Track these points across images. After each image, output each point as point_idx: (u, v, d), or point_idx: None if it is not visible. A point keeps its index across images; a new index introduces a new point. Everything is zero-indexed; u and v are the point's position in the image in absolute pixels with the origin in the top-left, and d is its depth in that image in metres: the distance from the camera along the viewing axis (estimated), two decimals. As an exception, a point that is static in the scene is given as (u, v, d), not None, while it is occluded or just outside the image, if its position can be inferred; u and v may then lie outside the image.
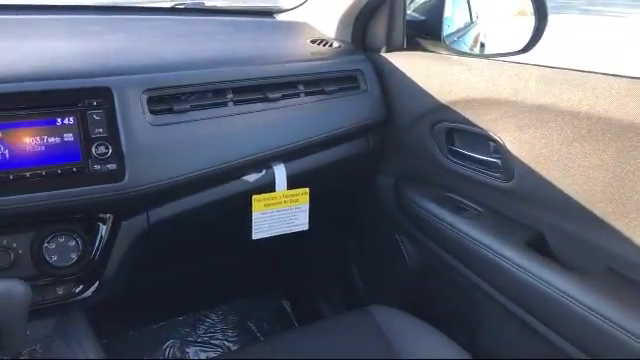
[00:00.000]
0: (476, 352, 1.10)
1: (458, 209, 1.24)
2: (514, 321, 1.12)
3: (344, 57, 1.30)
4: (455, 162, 1.22)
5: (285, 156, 1.18)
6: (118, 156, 0.95)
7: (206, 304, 1.83)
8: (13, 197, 0.89)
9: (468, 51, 1.45)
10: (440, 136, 1.22)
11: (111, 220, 1.00)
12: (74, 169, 0.93)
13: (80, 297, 1.00)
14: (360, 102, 1.27)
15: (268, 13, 1.58)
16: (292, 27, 1.49)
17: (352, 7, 1.34)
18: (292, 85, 1.20)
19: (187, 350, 1.73)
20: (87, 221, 0.98)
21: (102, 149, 0.94)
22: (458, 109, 1.16)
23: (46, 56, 1.04)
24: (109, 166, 0.95)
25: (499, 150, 1.11)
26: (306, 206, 1.24)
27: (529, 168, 1.04)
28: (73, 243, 0.96)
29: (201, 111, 1.07)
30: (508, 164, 1.09)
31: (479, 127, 1.13)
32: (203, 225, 1.23)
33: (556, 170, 0.99)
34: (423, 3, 1.44)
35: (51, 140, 0.92)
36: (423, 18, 1.40)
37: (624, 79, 0.89)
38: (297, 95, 1.19)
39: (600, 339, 0.92)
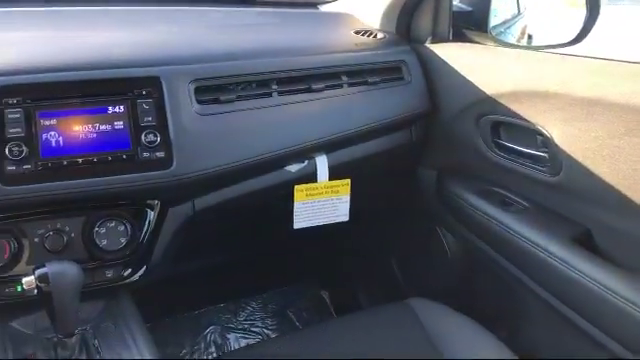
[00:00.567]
0: (517, 348, 1.09)
1: (502, 203, 1.23)
2: (558, 318, 1.10)
3: (388, 48, 1.30)
4: (500, 155, 1.20)
5: (327, 147, 1.19)
6: (166, 144, 0.97)
7: (247, 292, 1.86)
8: (66, 182, 0.92)
9: (515, 43, 1.42)
10: (485, 129, 1.21)
11: (158, 206, 1.03)
12: (124, 156, 0.96)
13: (128, 280, 1.03)
14: (404, 93, 1.26)
15: (312, 4, 1.59)
16: (336, 18, 1.49)
17: (396, -2, 1.33)
18: (335, 76, 1.20)
19: (227, 336, 1.77)
20: (136, 207, 1.01)
21: (151, 137, 0.96)
22: (505, 102, 1.14)
23: (98, 46, 1.07)
24: (157, 154, 0.97)
25: (546, 144, 1.09)
26: (347, 197, 1.24)
27: (577, 162, 1.02)
28: (122, 228, 0.99)
29: (246, 101, 1.09)
30: (555, 158, 1.07)
31: (526, 120, 1.11)
32: (246, 213, 1.25)
33: (605, 164, 0.97)
34: (470, -7, 1.42)
35: (102, 128, 0.95)
36: (470, 9, 1.38)
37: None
38: (340, 86, 1.20)
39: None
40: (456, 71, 1.23)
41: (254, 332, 1.80)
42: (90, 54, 1.02)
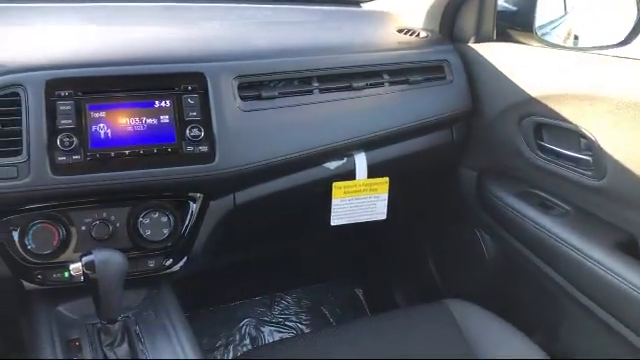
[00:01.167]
0: (553, 353, 1.08)
1: (543, 206, 1.21)
2: (598, 325, 1.08)
3: (431, 47, 1.29)
4: (542, 158, 1.18)
5: (367, 145, 1.19)
6: (210, 139, 1.00)
7: (282, 286, 1.88)
8: (113, 173, 0.95)
9: (561, 43, 1.40)
10: (528, 130, 1.19)
11: (201, 199, 1.05)
12: (169, 149, 0.98)
13: (169, 270, 1.06)
14: (445, 93, 1.26)
15: (355, 2, 1.59)
16: (379, 16, 1.49)
17: (440, -3, 1.33)
18: (377, 74, 1.20)
19: (262, 329, 1.79)
20: (179, 199, 1.04)
21: (195, 132, 0.99)
22: (549, 103, 1.12)
23: (146, 41, 1.10)
24: (201, 148, 0.99)
25: (590, 147, 1.07)
26: (385, 195, 1.24)
27: (623, 167, 1.00)
28: (165, 219, 1.02)
29: (288, 98, 1.10)
30: (600, 162, 1.05)
31: (570, 122, 1.09)
32: (285, 209, 1.26)
33: (652, 170, 0.95)
34: (515, -7, 1.40)
35: (149, 121, 0.98)
36: (515, 9, 1.36)
37: None
38: (382, 84, 1.20)
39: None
40: (499, 71, 1.22)
41: (288, 326, 1.81)
42: (138, 49, 1.05)
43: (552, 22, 1.44)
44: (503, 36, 1.33)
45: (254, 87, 1.08)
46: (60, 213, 0.97)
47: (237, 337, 1.76)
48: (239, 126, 1.03)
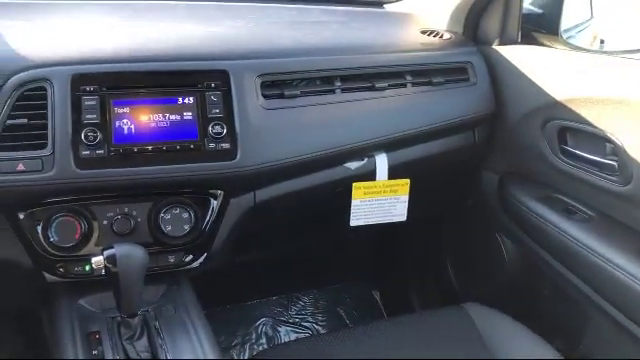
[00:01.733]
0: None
1: (566, 211, 1.19)
2: (620, 331, 1.06)
3: (454, 48, 1.29)
4: (566, 162, 1.17)
5: (388, 145, 1.19)
6: (232, 136, 1.00)
7: (299, 287, 1.88)
8: (136, 169, 0.96)
9: (587, 47, 1.38)
10: (552, 134, 1.18)
11: (221, 196, 1.05)
12: (191, 146, 0.99)
13: (189, 266, 1.06)
14: (468, 95, 1.25)
15: (378, 3, 1.58)
16: (402, 17, 1.48)
17: (465, -1, 1.32)
18: (400, 75, 1.20)
19: (278, 329, 1.79)
20: (200, 196, 1.04)
21: (218, 129, 0.99)
22: (574, 107, 1.11)
23: (170, 38, 1.11)
24: (223, 145, 1.00)
25: (616, 152, 1.05)
26: (406, 197, 1.24)
27: None
28: (186, 215, 1.02)
29: (310, 97, 1.10)
30: (626, 167, 1.03)
31: (596, 127, 1.07)
32: (304, 208, 1.26)
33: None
34: (541, -5, 1.39)
35: (172, 118, 0.99)
36: (540, 11, 1.35)
37: None
38: (404, 85, 1.19)
39: None
40: (524, 74, 1.21)
41: (305, 327, 1.81)
42: (163, 46, 1.06)
43: (578, 25, 1.42)
44: (527, 39, 1.32)
45: (277, 85, 1.08)
46: (83, 207, 0.98)
47: (253, 336, 1.76)
48: (261, 124, 1.03)
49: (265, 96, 1.06)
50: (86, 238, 0.98)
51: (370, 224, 1.25)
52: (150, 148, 0.97)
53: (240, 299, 1.82)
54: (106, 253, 0.87)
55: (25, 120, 0.92)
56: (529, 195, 1.26)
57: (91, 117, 0.94)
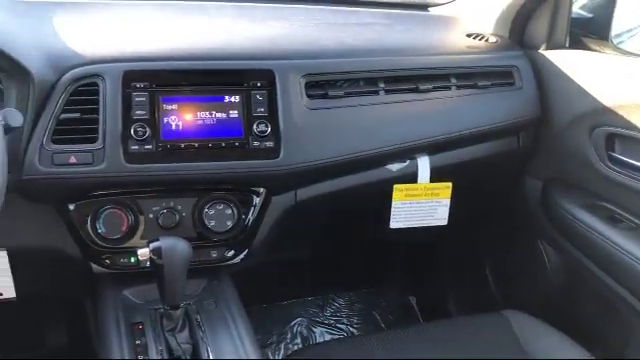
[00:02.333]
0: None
1: (612, 219, 1.16)
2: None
3: (500, 52, 1.27)
4: (613, 169, 1.14)
5: (430, 148, 1.18)
6: (276, 135, 1.01)
7: (335, 288, 1.88)
8: (182, 164, 0.98)
9: (638, 52, 1.35)
10: (599, 141, 1.15)
11: (264, 194, 1.07)
12: (236, 144, 1.00)
13: (230, 262, 1.08)
14: (514, 99, 1.23)
15: (423, 6, 1.58)
16: (447, 20, 1.47)
17: (513, 3, 1.30)
18: (444, 77, 1.19)
19: (313, 330, 1.79)
20: (243, 192, 1.06)
21: (262, 127, 1.00)
22: (623, 113, 1.08)
23: (218, 38, 1.13)
24: (267, 143, 1.01)
25: (667, 160, 1.03)
26: (447, 201, 1.23)
27: None
28: (229, 211, 1.04)
29: (354, 98, 1.11)
30: (677, 176, 1.00)
31: None
32: (344, 208, 1.27)
33: None
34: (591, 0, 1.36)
35: (218, 115, 1.01)
36: (590, 16, 1.32)
37: None
38: (448, 88, 1.19)
39: None
40: (571, 79, 1.19)
41: (339, 328, 1.81)
42: (211, 46, 1.09)
43: (630, 30, 1.39)
44: (576, 43, 1.29)
45: (321, 86, 1.09)
46: (130, 200, 1.01)
47: (289, 335, 1.77)
48: (304, 123, 1.04)
49: (309, 96, 1.07)
50: (132, 231, 1.01)
51: (410, 227, 1.25)
52: (196, 145, 0.99)
53: (276, 298, 1.83)
54: (152, 245, 0.89)
55: (78, 114, 0.95)
56: (574, 202, 1.23)
57: (140, 113, 0.97)
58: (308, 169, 1.05)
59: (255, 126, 1.00)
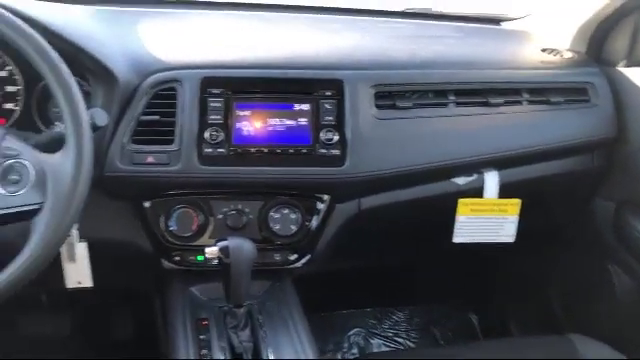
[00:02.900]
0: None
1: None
2: None
3: (576, 68, 1.24)
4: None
5: (499, 163, 1.17)
6: (342, 143, 1.03)
7: (394, 301, 1.87)
8: (251, 168, 1.02)
9: None
10: (679, 162, 1.10)
11: (328, 201, 1.09)
12: (303, 151, 1.03)
13: (292, 266, 1.11)
14: (588, 117, 1.20)
15: (495, 21, 1.56)
16: (520, 35, 1.45)
17: (592, 18, 1.26)
18: (516, 92, 1.17)
19: (371, 341, 1.79)
20: (308, 198, 1.08)
21: (329, 135, 1.03)
22: None
23: (290, 48, 1.17)
24: (333, 151, 1.03)
25: None
26: (515, 218, 1.20)
27: None
28: (294, 216, 1.06)
29: (423, 109, 1.11)
30: None
31: None
32: (407, 220, 1.26)
33: None
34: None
35: (287, 123, 1.04)
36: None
37: None
38: (520, 103, 1.17)
39: None
40: None
41: (397, 342, 1.80)
42: (283, 55, 1.12)
43: None
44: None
45: (390, 96, 1.10)
46: (201, 201, 1.05)
47: (345, 345, 1.77)
48: (372, 133, 1.05)
49: (378, 106, 1.08)
50: (202, 230, 1.05)
51: (474, 243, 1.23)
52: (265, 150, 1.03)
53: (335, 307, 1.84)
54: (220, 244, 0.93)
55: (157, 117, 1.00)
56: (650, 226, 1.18)
57: (215, 118, 1.01)
58: (373, 178, 1.06)
59: (323, 134, 1.03)
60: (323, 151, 1.03)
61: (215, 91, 1.01)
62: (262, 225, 1.06)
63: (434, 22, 1.50)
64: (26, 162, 0.78)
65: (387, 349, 1.78)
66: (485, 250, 1.25)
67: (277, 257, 1.09)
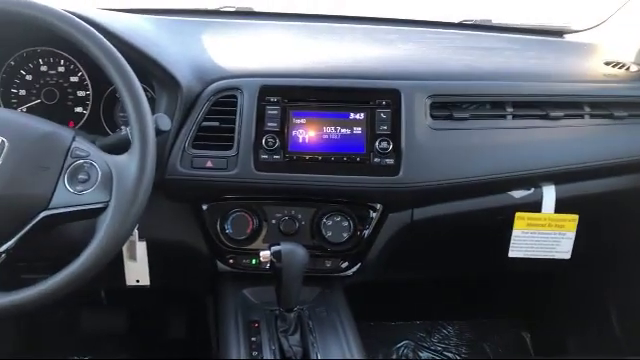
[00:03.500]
0: None
1: None
2: None
3: (641, 82, 1.20)
4: None
5: (557, 177, 1.14)
6: (397, 153, 1.03)
7: (445, 315, 1.84)
8: (306, 175, 1.04)
9: None
10: None
11: (380, 210, 1.09)
12: (357, 159, 1.04)
13: (343, 273, 1.12)
14: (654, 132, 1.16)
15: (558, 33, 1.53)
16: (583, 48, 1.42)
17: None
18: (577, 105, 1.15)
19: (420, 354, 1.77)
20: (361, 207, 1.09)
21: (384, 145, 1.03)
22: None
23: (346, 58, 1.18)
24: (387, 161, 1.03)
25: None
26: (572, 234, 1.17)
27: None
28: (346, 224, 1.07)
29: (479, 121, 1.10)
30: None
31: None
32: (461, 232, 1.25)
33: None
34: None
35: (342, 131, 1.05)
36: None
37: None
38: (581, 116, 1.15)
39: None
40: None
41: (447, 356, 1.77)
42: (340, 64, 1.14)
43: None
44: None
45: (446, 107, 1.09)
46: (256, 205, 1.08)
47: (394, 357, 1.75)
48: (427, 143, 1.05)
49: (433, 117, 1.07)
50: (256, 234, 1.07)
51: (529, 258, 1.20)
52: (320, 157, 1.04)
53: (384, 318, 1.83)
54: (273, 249, 0.95)
55: (217, 123, 1.03)
56: None
57: (272, 125, 1.03)
58: (427, 189, 1.05)
59: (377, 143, 1.03)
60: (377, 160, 1.04)
61: (273, 99, 1.04)
62: (314, 232, 1.08)
63: (492, 34, 1.48)
64: (94, 163, 0.83)
65: (436, 363, 1.75)
66: (540, 266, 1.22)
67: (328, 264, 1.10)
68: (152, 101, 1.02)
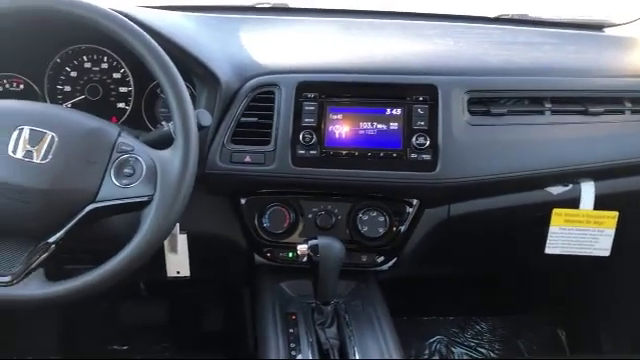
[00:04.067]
0: None
1: None
2: None
3: (685, 76, 1.17)
4: None
5: (596, 173, 1.13)
6: (434, 148, 1.03)
7: (479, 310, 1.84)
8: (342, 170, 1.05)
9: None
10: None
11: (417, 205, 1.10)
12: (394, 155, 1.05)
13: (379, 268, 1.12)
14: (698, 128, 1.13)
15: (597, 26, 1.50)
16: (624, 42, 1.39)
17: None
18: (617, 101, 1.13)
19: (453, 350, 1.77)
20: (397, 202, 1.09)
21: (421, 140, 1.03)
22: None
23: (383, 53, 1.18)
24: (424, 156, 1.04)
25: None
26: (612, 231, 1.16)
27: None
28: (382, 219, 1.08)
29: (517, 116, 1.10)
30: None
31: None
32: (497, 228, 1.25)
33: None
34: None
35: (379, 127, 1.06)
36: None
37: None
38: (622, 112, 1.13)
39: None
40: None
41: (480, 352, 1.76)
42: (377, 60, 1.14)
43: None
44: None
45: (484, 102, 1.09)
46: (293, 200, 1.09)
47: (427, 352, 1.76)
48: (464, 139, 1.05)
49: (471, 112, 1.07)
50: (293, 228, 1.09)
51: (566, 255, 1.19)
52: (356, 153, 1.05)
53: (418, 313, 1.83)
54: (310, 242, 0.97)
55: (255, 119, 1.05)
56: None
57: (309, 121, 1.05)
58: (464, 185, 1.05)
59: (414, 139, 1.04)
60: (414, 156, 1.04)
61: (310, 95, 1.05)
62: (350, 226, 1.09)
63: (531, 28, 1.46)
64: (139, 157, 0.85)
65: (469, 359, 1.75)
66: (577, 263, 1.21)
67: (364, 258, 1.11)
68: (192, 97, 1.04)
